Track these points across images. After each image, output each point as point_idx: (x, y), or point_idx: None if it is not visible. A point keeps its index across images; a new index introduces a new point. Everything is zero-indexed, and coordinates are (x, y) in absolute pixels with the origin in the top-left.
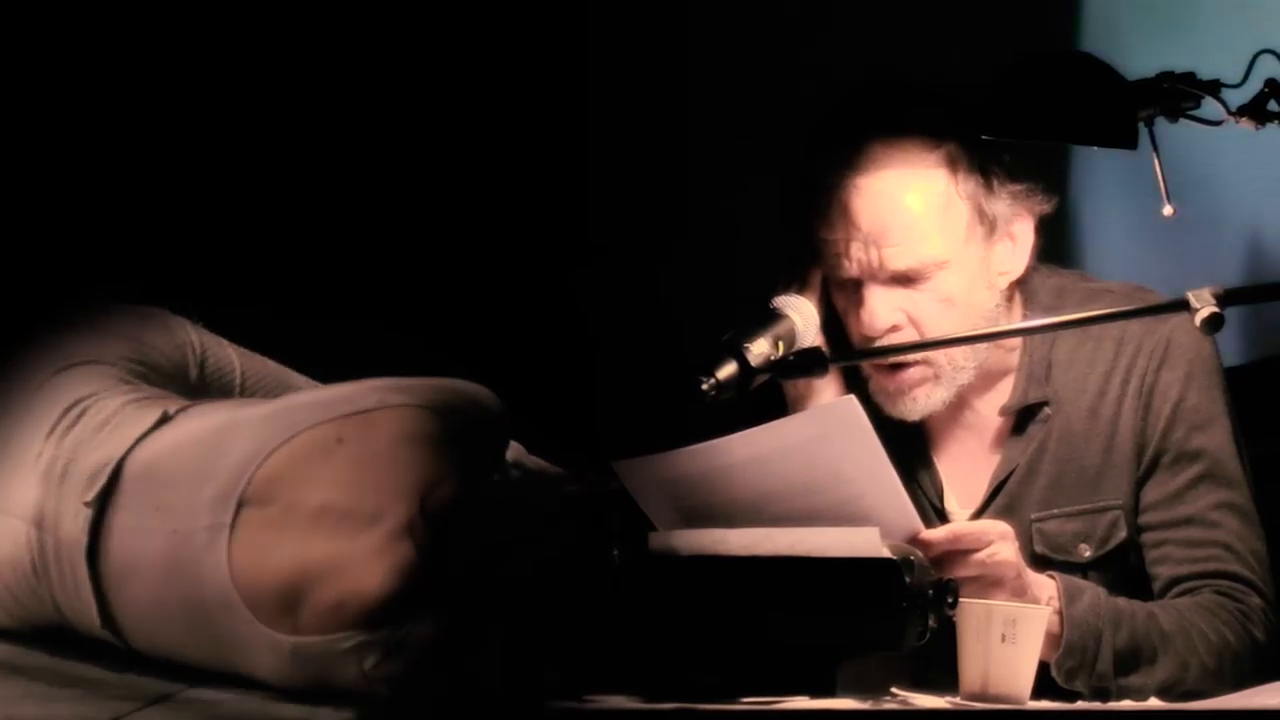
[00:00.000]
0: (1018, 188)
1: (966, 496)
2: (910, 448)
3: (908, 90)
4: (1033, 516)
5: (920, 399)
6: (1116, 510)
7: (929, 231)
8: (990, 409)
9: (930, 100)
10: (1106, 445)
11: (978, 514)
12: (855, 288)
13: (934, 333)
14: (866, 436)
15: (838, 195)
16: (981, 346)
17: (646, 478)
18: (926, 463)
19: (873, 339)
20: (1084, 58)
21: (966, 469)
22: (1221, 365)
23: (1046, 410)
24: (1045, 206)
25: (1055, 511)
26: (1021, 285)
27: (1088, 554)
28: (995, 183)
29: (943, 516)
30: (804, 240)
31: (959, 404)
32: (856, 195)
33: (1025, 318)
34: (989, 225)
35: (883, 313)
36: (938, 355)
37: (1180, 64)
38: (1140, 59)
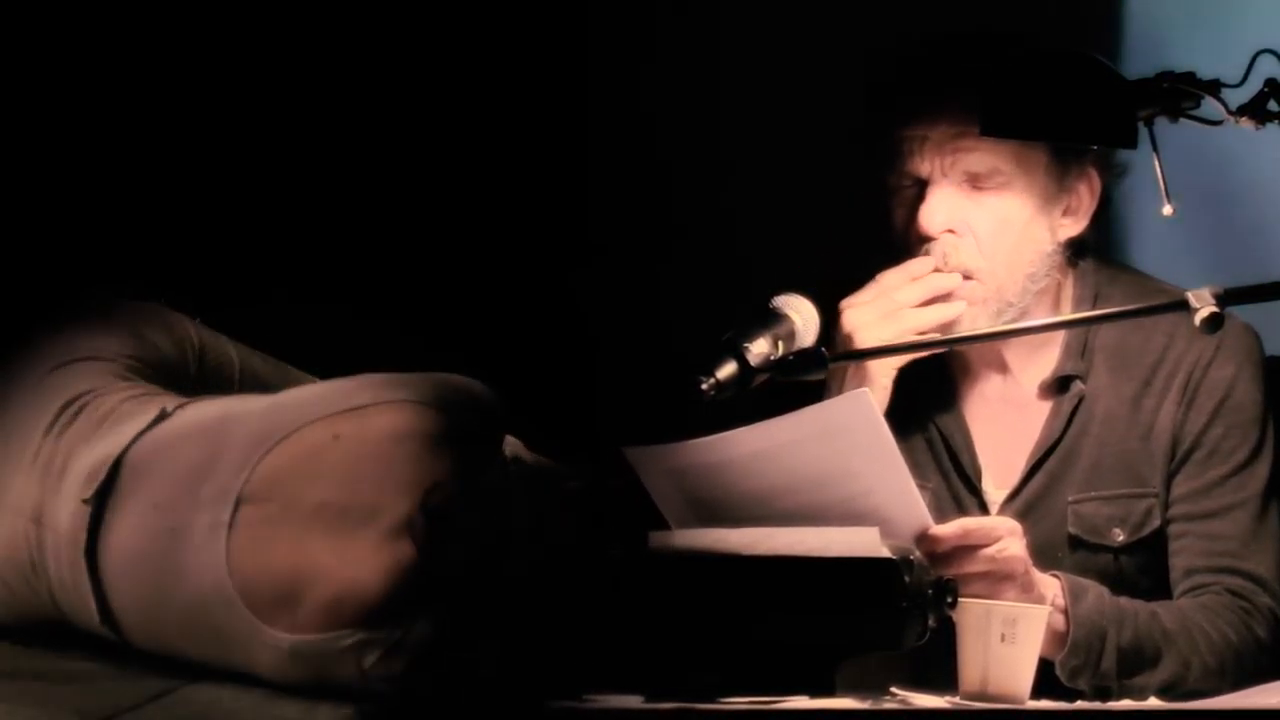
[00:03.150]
0: (1077, 153)
1: (1004, 477)
2: (949, 426)
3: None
4: (1071, 498)
5: (949, 311)
6: (1152, 498)
7: (1007, 142)
8: (1031, 381)
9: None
10: (1146, 433)
11: (1015, 493)
12: (919, 189)
13: (988, 247)
14: (878, 431)
15: (924, 95)
16: (1030, 289)
17: (657, 466)
18: (966, 445)
19: (930, 239)
20: (1084, 57)
21: (1006, 448)
22: (1266, 369)
23: (1079, 384)
24: (1115, 175)
25: (1093, 494)
26: (1077, 263)
27: (1121, 538)
28: (1060, 146)
29: (979, 498)
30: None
31: (1001, 369)
32: (942, 97)
33: (1075, 298)
34: (1063, 167)
35: (942, 213)
36: (994, 276)
37: (1223, 65)
38: (1184, 57)
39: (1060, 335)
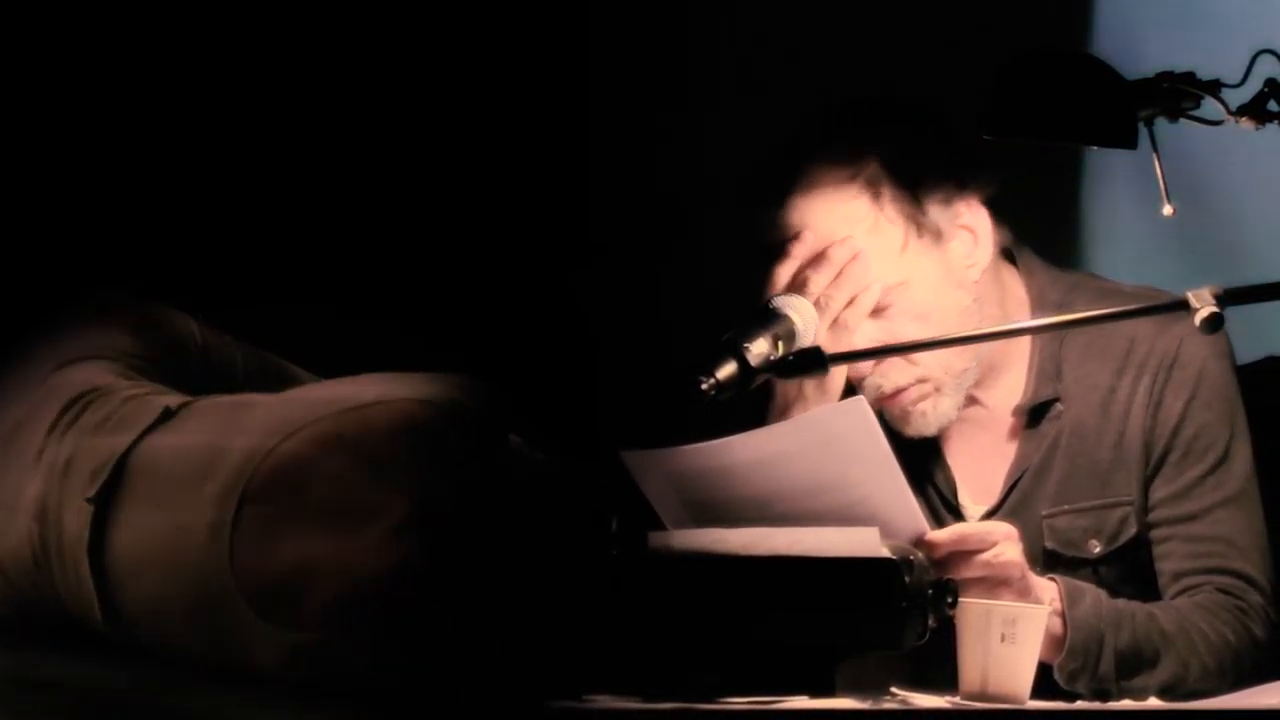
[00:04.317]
0: (952, 186)
1: (981, 493)
2: (924, 445)
3: (832, 115)
4: (1044, 513)
5: (929, 413)
6: (1127, 507)
7: (874, 251)
8: (1000, 404)
9: (851, 120)
10: (1116, 441)
11: (994, 510)
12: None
13: (915, 353)
14: (875, 438)
15: (780, 244)
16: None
17: (655, 470)
18: (939, 460)
19: (861, 377)
20: (1084, 58)
21: (980, 465)
22: (1235, 364)
23: (1059, 406)
24: (990, 188)
25: (1066, 507)
26: (1028, 281)
27: (1098, 550)
28: (925, 191)
29: (957, 513)
30: None
31: (968, 401)
32: (793, 243)
33: (1033, 315)
34: (933, 233)
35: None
36: (933, 369)
37: (1194, 63)
38: (1154, 58)
39: (1025, 355)
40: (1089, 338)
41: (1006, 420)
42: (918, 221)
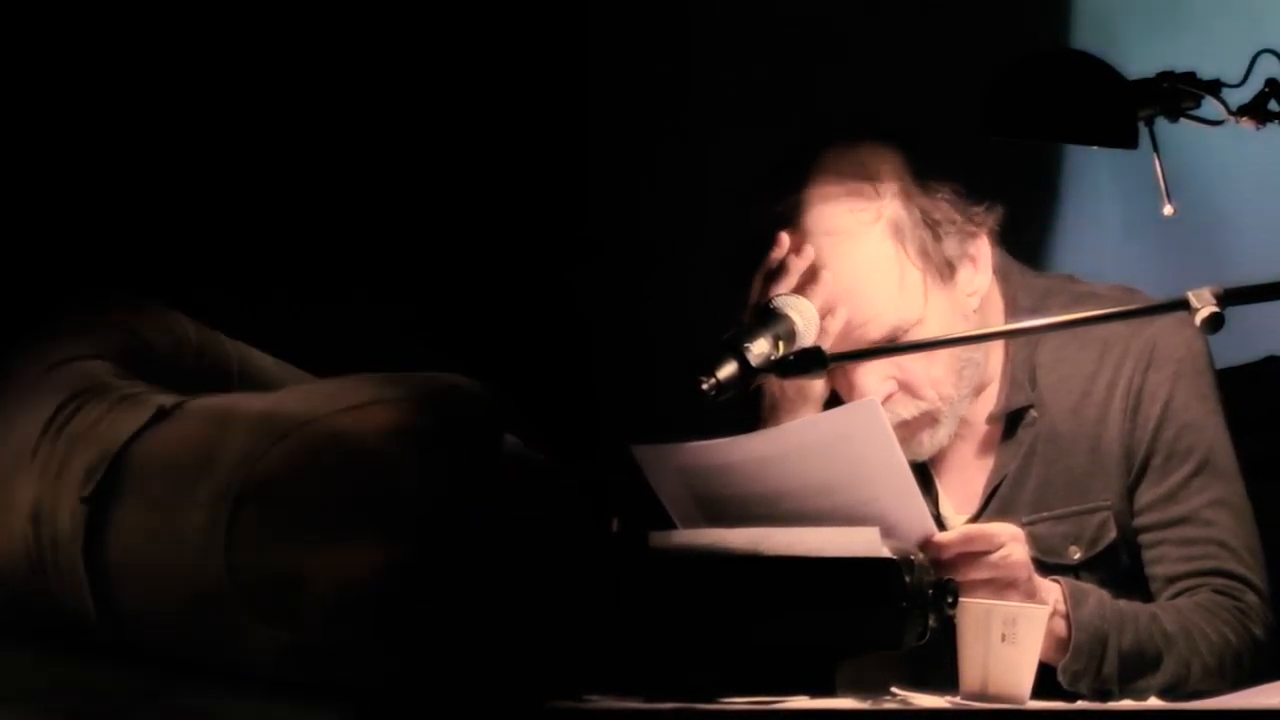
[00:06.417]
0: (963, 220)
1: (961, 502)
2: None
3: (843, 142)
4: (1023, 520)
5: (925, 441)
6: (1105, 511)
7: (891, 304)
8: (977, 416)
9: (868, 163)
10: (1092, 446)
11: (974, 519)
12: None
13: (926, 385)
14: (886, 439)
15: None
16: (970, 367)
17: (666, 465)
18: (921, 470)
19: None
20: (1084, 57)
21: (962, 475)
22: (1212, 363)
23: (1033, 413)
24: (994, 218)
25: (1045, 514)
26: (1003, 287)
27: (1078, 556)
28: (942, 227)
29: (939, 523)
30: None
31: None
32: (813, 280)
33: (1009, 310)
34: (948, 268)
35: (873, 384)
36: (933, 400)
37: (1176, 64)
38: (1136, 60)
39: (998, 368)
40: (1061, 342)
41: (983, 430)
42: (935, 260)
